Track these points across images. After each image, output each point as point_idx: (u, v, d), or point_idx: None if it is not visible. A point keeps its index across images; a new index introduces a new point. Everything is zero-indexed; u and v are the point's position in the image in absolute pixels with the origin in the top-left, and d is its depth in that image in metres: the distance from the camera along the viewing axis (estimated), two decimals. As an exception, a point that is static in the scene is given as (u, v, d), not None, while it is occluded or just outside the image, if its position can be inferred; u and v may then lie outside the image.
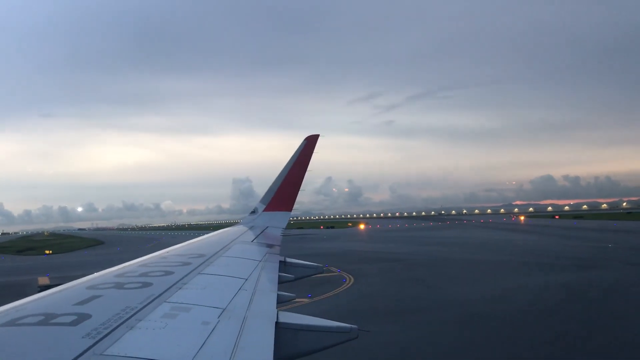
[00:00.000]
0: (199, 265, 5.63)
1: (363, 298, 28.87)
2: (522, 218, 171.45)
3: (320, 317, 4.15)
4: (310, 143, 12.62)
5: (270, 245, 8.78)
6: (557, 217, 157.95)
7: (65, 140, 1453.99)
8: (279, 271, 6.50)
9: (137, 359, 2.49)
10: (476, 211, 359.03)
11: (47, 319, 3.03)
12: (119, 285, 4.30)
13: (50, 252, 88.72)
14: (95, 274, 4.91)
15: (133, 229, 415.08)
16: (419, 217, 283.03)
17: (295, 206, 12.73)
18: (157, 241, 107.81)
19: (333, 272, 40.07)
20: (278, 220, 12.29)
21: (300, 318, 4.00)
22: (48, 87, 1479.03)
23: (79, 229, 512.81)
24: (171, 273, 4.98)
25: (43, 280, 40.41)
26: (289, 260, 7.75)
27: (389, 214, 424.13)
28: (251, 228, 11.42)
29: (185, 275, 4.88)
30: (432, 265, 42.56)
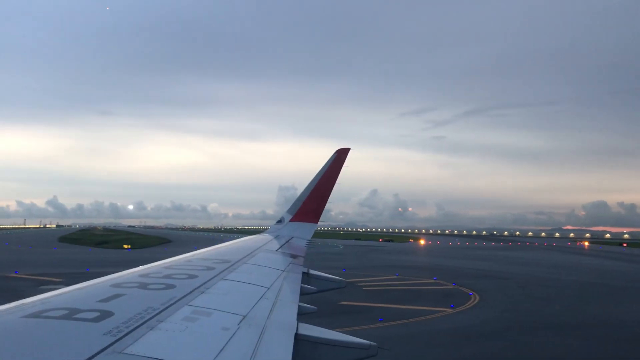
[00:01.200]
0: (223, 271, 5.60)
1: (509, 312, 28.88)
2: (585, 243, 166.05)
3: (340, 332, 4.07)
4: (340, 156, 12.54)
5: (294, 256, 8.73)
6: (624, 245, 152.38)
7: (120, 139, 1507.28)
8: (302, 282, 6.44)
9: (156, 359, 2.50)
10: (529, 233, 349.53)
11: (71, 314, 3.06)
12: (142, 285, 4.29)
13: (129, 246, 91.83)
14: (120, 273, 4.92)
15: (182, 229, 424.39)
16: (470, 236, 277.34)
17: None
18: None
19: (446, 285, 40.26)
20: (304, 231, 12.27)
21: (320, 331, 3.96)
22: (108, 86, 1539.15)
23: (129, 226, 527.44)
24: (195, 277, 4.96)
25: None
26: (312, 272, 7.69)
27: (438, 231, 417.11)
28: (276, 237, 11.42)
29: (209, 280, 4.86)
30: (544, 285, 42.02)
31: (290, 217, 12.84)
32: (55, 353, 2.38)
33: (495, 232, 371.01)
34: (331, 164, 12.53)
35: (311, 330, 3.87)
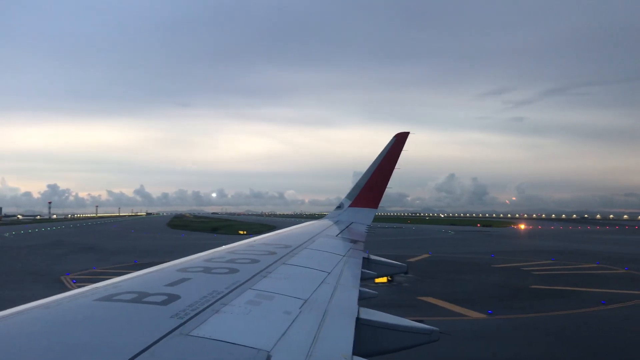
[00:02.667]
0: (284, 256, 5.65)
1: None
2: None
3: (402, 317, 4.01)
4: (399, 140, 12.22)
5: (354, 241, 8.69)
6: None
7: (200, 129, 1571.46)
8: (363, 267, 6.39)
9: (221, 341, 2.53)
10: (625, 217, 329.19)
11: (140, 297, 3.16)
12: (207, 270, 4.39)
13: (245, 232, 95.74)
14: (186, 258, 5.05)
15: (263, 215, 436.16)
16: (566, 220, 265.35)
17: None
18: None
19: (616, 269, 39.27)
20: (363, 217, 12.17)
21: (382, 316, 3.94)
22: (187, 78, 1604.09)
23: (213, 213, 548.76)
24: (257, 261, 5.04)
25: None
26: (372, 257, 7.64)
27: (525, 215, 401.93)
28: (336, 223, 11.41)
29: (270, 264, 4.92)
30: None
31: (349, 202, 12.82)
32: (126, 335, 2.47)
33: (586, 216, 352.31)
34: (390, 148, 12.23)
35: (372, 314, 3.86)
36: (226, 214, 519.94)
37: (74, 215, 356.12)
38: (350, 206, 12.68)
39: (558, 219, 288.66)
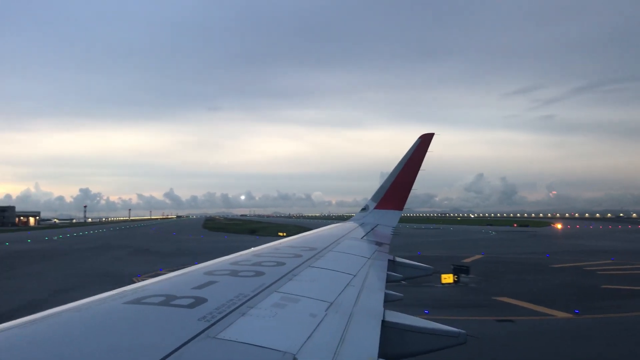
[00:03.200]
0: (310, 258, 5.63)
1: None
2: None
3: (427, 319, 3.99)
4: (424, 141, 12.03)
5: (379, 244, 8.61)
6: None
7: (228, 132, 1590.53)
8: (388, 270, 6.33)
9: (248, 344, 2.53)
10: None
11: (167, 300, 3.19)
12: (233, 273, 4.41)
13: (285, 234, 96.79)
14: (212, 261, 5.08)
15: (292, 217, 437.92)
16: (600, 220, 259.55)
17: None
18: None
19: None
20: (388, 219, 12.02)
21: (408, 319, 3.91)
22: (216, 82, 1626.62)
23: (242, 215, 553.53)
24: (282, 264, 5.04)
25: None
26: (398, 259, 7.55)
27: (557, 214, 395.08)
28: (361, 225, 11.30)
29: (296, 267, 4.91)
30: None
31: (374, 204, 12.70)
32: (154, 337, 2.51)
33: (621, 215, 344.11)
34: (415, 149, 12.09)
35: (398, 317, 3.84)
36: (255, 216, 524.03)
37: (107, 218, 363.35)
38: (375, 208, 12.61)
39: (593, 218, 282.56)
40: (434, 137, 12.01)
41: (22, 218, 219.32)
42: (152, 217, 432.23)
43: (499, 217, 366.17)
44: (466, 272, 35.43)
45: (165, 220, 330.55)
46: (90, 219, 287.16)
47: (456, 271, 36.53)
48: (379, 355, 2.79)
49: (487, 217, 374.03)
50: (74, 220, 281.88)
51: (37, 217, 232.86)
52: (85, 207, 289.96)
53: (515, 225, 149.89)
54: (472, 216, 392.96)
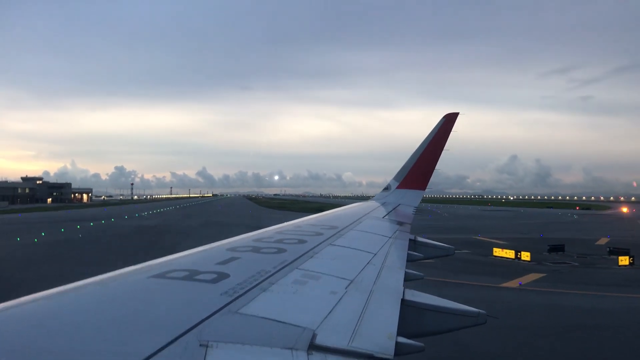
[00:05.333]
0: (331, 237, 5.74)
1: None
2: None
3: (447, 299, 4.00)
4: (448, 121, 11.81)
5: (400, 223, 8.61)
6: None
7: (260, 112, 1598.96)
8: (409, 249, 6.39)
9: (268, 319, 2.61)
10: None
11: (191, 275, 3.29)
12: (256, 249, 4.51)
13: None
14: (235, 237, 5.20)
15: (330, 196, 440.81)
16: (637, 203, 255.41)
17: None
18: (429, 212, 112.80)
19: None
20: (410, 199, 11.89)
21: (427, 298, 3.91)
22: (248, 62, 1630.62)
23: (275, 195, 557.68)
24: (304, 242, 5.15)
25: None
26: (419, 239, 7.63)
27: (601, 198, 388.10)
28: (383, 204, 11.28)
29: (317, 245, 5.00)
30: None
31: (397, 184, 12.50)
32: (179, 310, 2.59)
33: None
34: (439, 129, 11.88)
35: (417, 296, 3.86)
36: (287, 195, 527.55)
37: (151, 196, 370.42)
38: (397, 188, 12.43)
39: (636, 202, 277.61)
40: (460, 116, 11.82)
41: (76, 195, 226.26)
42: (191, 195, 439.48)
43: (539, 199, 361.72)
44: (562, 250, 39.05)
45: (205, 198, 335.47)
46: (136, 197, 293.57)
47: (552, 249, 38.99)
48: (398, 333, 2.84)
49: (525, 199, 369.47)
50: (121, 197, 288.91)
51: (90, 194, 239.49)
52: (132, 184, 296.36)
53: (577, 208, 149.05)
54: (512, 198, 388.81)
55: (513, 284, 26.83)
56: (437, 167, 11.72)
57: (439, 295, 3.86)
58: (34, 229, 58.39)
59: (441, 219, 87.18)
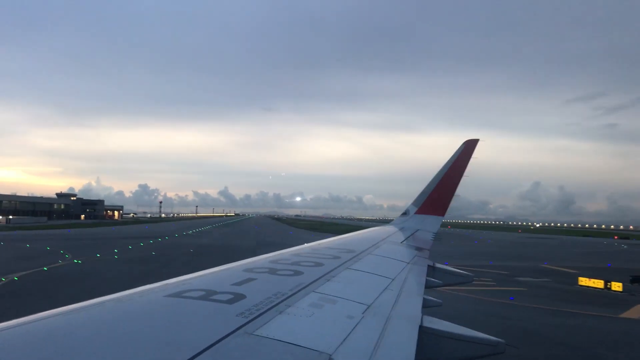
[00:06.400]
0: (348, 260, 5.65)
1: None
2: None
3: (466, 327, 3.90)
4: (468, 147, 11.79)
5: (419, 249, 8.54)
6: None
7: (282, 133, 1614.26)
8: (428, 275, 6.29)
9: (284, 342, 2.56)
10: None
11: (207, 295, 3.28)
12: (272, 271, 4.46)
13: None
14: (252, 259, 5.15)
15: (344, 218, 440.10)
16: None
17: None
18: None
19: None
20: (429, 224, 11.83)
21: (446, 325, 3.86)
22: (272, 83, 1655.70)
23: (296, 215, 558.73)
24: (321, 265, 5.06)
25: None
26: (438, 265, 7.58)
27: (631, 227, 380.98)
28: (401, 229, 11.27)
29: (334, 269, 4.93)
30: None
31: (415, 209, 12.50)
32: (194, 330, 2.56)
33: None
34: (459, 155, 11.89)
35: (436, 323, 3.82)
36: (307, 216, 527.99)
37: (178, 214, 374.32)
38: (416, 213, 12.45)
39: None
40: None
41: (108, 212, 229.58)
42: (215, 215, 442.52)
43: (566, 227, 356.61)
44: None
45: (229, 217, 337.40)
46: (164, 215, 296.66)
47: (635, 280, 37.96)
48: None
49: (550, 226, 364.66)
50: (149, 215, 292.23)
51: (121, 211, 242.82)
52: (160, 202, 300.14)
53: (616, 237, 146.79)
54: (537, 225, 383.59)
55: (632, 314, 26.77)
56: (459, 192, 11.71)
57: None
58: (99, 245, 59.75)
59: (489, 246, 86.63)
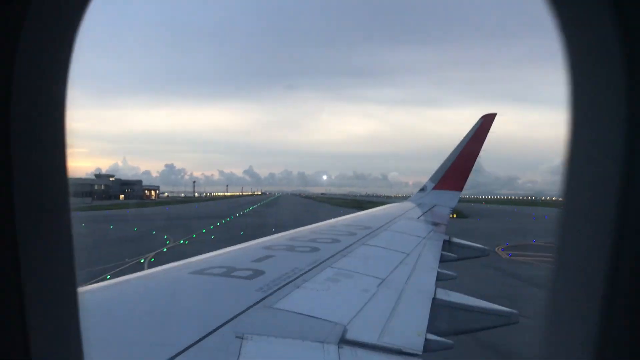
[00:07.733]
0: (364, 237, 5.91)
1: None
2: None
3: (480, 299, 4.01)
4: (486, 122, 11.66)
5: (435, 224, 8.65)
6: None
7: (305, 110, 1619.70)
8: (443, 250, 6.45)
9: (301, 314, 2.76)
10: None
11: (228, 272, 3.48)
12: (290, 248, 4.76)
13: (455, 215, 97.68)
14: (271, 236, 5.40)
15: (369, 195, 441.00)
16: None
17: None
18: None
19: None
20: (447, 199, 11.86)
21: (459, 297, 3.98)
22: (294, 61, 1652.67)
23: (322, 194, 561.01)
24: (337, 241, 5.30)
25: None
26: (454, 240, 7.62)
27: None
28: (419, 205, 11.42)
29: (350, 245, 5.17)
30: None
31: (433, 185, 12.73)
32: (216, 304, 2.78)
33: None
34: (476, 130, 11.89)
35: (449, 295, 3.96)
36: (331, 194, 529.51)
37: (210, 194, 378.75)
38: (434, 189, 12.72)
39: None
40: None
41: (146, 192, 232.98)
42: (244, 193, 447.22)
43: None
44: None
45: (259, 196, 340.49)
46: (197, 194, 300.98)
47: None
48: (429, 331, 2.97)
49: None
50: (183, 195, 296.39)
51: (157, 191, 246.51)
52: (194, 182, 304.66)
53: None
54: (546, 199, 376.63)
55: None
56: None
57: None
58: (177, 226, 60.93)
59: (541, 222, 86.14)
